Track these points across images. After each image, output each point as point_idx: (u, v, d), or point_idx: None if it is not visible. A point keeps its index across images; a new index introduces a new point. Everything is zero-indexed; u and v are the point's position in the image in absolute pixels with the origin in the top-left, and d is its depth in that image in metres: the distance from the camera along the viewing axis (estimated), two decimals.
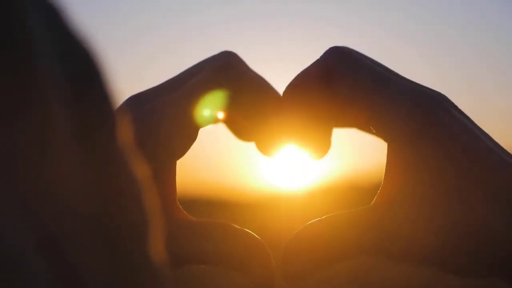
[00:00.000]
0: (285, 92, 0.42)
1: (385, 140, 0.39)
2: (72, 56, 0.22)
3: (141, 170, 0.24)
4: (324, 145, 0.43)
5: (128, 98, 0.42)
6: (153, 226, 0.24)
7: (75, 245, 0.21)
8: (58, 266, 0.20)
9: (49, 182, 0.21)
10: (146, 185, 0.24)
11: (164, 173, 0.40)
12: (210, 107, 0.41)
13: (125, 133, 0.24)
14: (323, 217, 0.39)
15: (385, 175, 0.39)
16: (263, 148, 0.44)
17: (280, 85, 0.43)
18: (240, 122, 0.45)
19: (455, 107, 0.40)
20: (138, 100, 0.41)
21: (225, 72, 0.41)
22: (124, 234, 0.23)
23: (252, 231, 0.41)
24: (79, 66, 0.23)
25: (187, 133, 0.40)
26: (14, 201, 0.20)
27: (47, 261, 0.20)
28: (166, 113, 0.39)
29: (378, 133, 0.39)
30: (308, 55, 0.43)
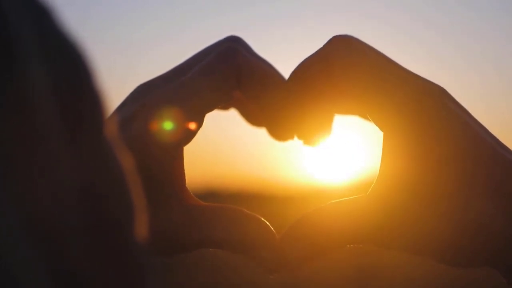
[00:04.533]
0: (289, 78, 0.42)
1: (381, 129, 0.39)
2: (61, 58, 0.23)
3: (127, 161, 0.25)
4: (323, 131, 0.44)
5: (138, 86, 0.42)
6: (138, 213, 0.24)
7: (66, 236, 0.22)
8: (50, 258, 0.21)
9: (40, 176, 0.21)
10: (132, 176, 0.25)
11: (172, 159, 0.40)
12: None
13: (114, 127, 0.24)
14: (321, 205, 0.40)
15: (380, 164, 0.39)
16: (273, 133, 0.44)
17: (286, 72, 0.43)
18: (249, 107, 0.45)
19: (453, 99, 0.40)
20: (147, 88, 0.42)
21: (230, 57, 0.41)
22: (112, 221, 0.23)
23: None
24: (68, 67, 0.23)
25: (193, 119, 0.40)
26: (7, 199, 0.20)
27: (41, 254, 0.21)
28: (171, 100, 0.40)
29: (375, 122, 0.40)
30: (315, 43, 0.43)
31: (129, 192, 0.24)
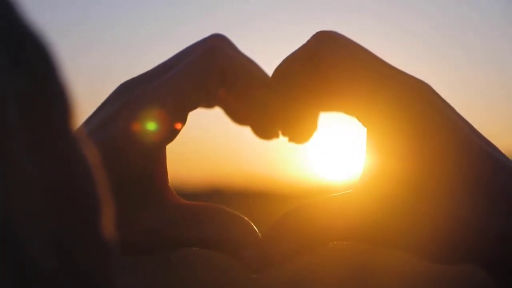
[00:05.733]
0: (273, 75, 0.42)
1: (364, 125, 0.39)
2: (25, 52, 0.23)
3: (92, 154, 0.24)
4: (309, 128, 0.43)
5: (121, 84, 0.42)
6: (104, 207, 0.24)
7: (28, 232, 0.21)
8: (13, 255, 0.21)
9: (2, 174, 0.21)
10: (97, 169, 0.24)
11: (154, 158, 0.40)
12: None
13: (79, 120, 0.24)
14: (303, 202, 0.39)
15: (364, 161, 0.39)
16: (257, 131, 0.44)
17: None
18: (234, 106, 0.45)
19: (438, 95, 0.39)
20: (129, 86, 0.41)
21: (214, 55, 0.41)
22: (78, 217, 0.23)
23: None
24: (32, 61, 0.23)
25: (175, 117, 0.40)
26: None
27: (4, 254, 0.21)
28: (154, 98, 0.40)
29: (358, 118, 0.39)
30: (302, 38, 0.42)
31: (95, 187, 0.24)
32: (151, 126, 0.40)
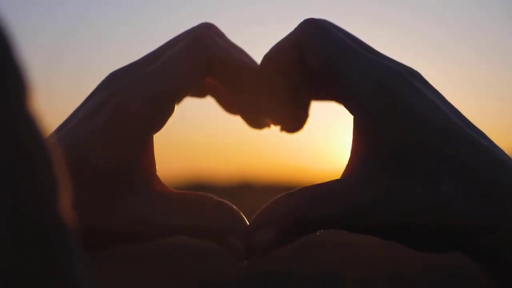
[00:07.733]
0: (261, 63, 0.42)
1: (351, 113, 0.39)
2: None
3: (50, 137, 0.24)
4: (300, 117, 0.43)
5: (110, 74, 0.42)
6: (61, 188, 0.24)
7: None
8: None
9: None
10: (55, 152, 0.24)
11: (140, 147, 0.39)
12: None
13: (37, 102, 0.24)
14: (291, 191, 0.39)
15: (351, 148, 0.39)
16: (247, 120, 0.44)
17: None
18: (225, 95, 0.45)
19: (425, 82, 0.39)
20: (117, 75, 0.41)
21: (201, 43, 0.41)
22: (32, 196, 0.23)
23: None
24: None
25: (162, 107, 0.40)
26: None
27: None
28: (141, 88, 0.40)
29: (345, 107, 0.39)
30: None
31: (51, 167, 0.24)
32: (137, 115, 0.40)
